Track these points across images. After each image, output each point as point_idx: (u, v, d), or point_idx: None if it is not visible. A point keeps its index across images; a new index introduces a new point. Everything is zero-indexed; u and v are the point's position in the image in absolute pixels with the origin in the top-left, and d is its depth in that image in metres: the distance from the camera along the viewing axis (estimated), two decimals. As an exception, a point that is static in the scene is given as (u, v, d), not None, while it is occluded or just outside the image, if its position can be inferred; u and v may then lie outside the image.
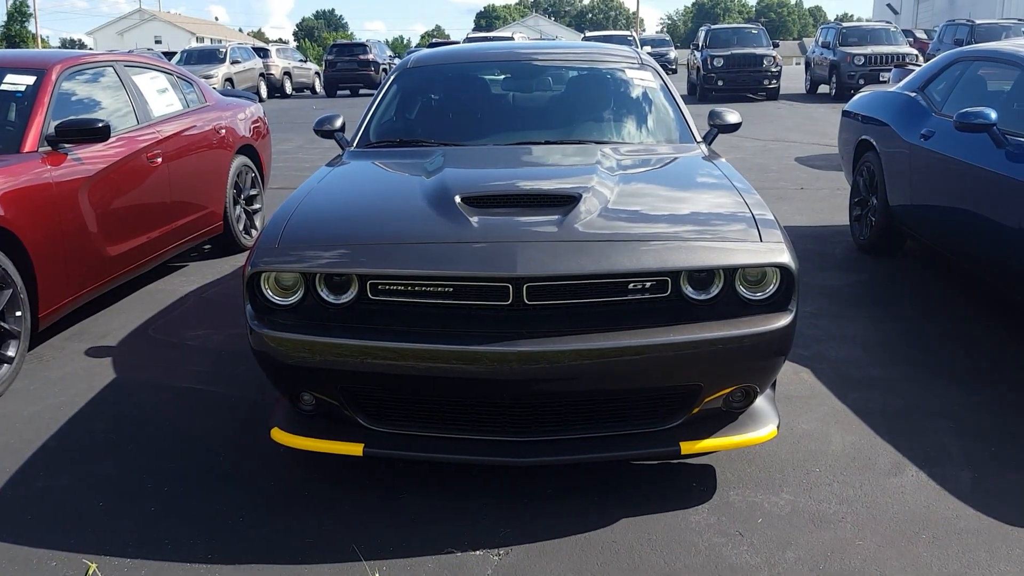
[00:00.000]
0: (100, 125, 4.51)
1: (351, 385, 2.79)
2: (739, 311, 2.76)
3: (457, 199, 2.98)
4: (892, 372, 3.97)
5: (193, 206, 5.77)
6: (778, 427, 2.93)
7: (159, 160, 5.30)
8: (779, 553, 2.62)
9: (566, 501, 2.92)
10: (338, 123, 4.41)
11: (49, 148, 4.45)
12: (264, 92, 24.23)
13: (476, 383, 2.67)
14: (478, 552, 2.66)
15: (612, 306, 2.75)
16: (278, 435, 2.95)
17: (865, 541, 2.68)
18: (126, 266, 4.98)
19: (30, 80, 4.72)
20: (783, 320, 2.73)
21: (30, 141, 4.39)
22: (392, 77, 4.53)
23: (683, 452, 2.80)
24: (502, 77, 4.57)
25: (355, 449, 2.84)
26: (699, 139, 4.11)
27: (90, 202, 4.58)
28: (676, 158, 3.82)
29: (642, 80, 4.38)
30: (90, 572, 2.56)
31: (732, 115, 4.33)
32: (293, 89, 27.22)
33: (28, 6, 57.69)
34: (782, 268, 2.74)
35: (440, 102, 4.48)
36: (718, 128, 4.29)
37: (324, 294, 2.81)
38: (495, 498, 2.94)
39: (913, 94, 5.54)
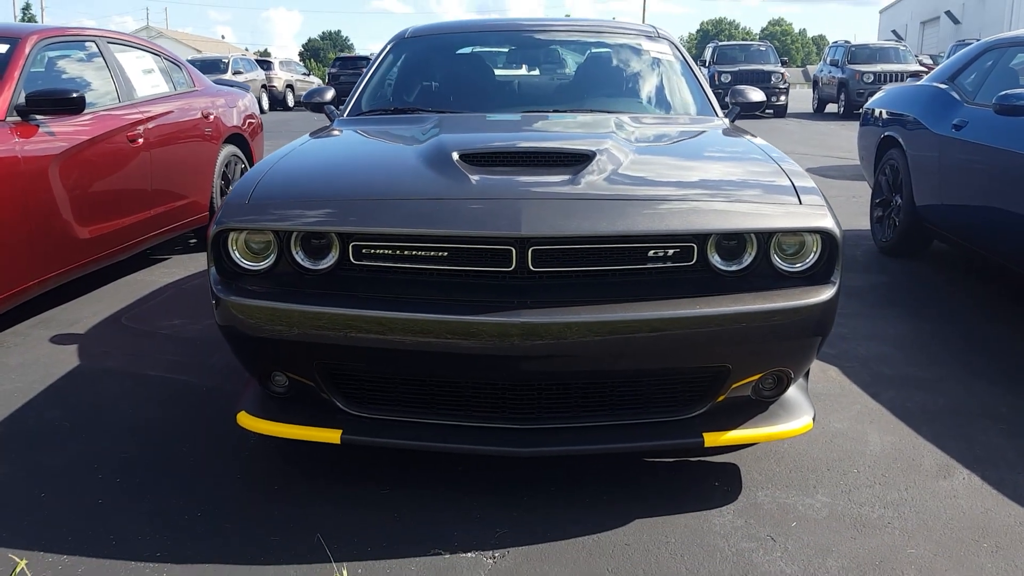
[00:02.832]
0: (74, 95, 4.20)
1: (329, 362, 2.44)
2: (774, 284, 2.41)
3: (455, 156, 2.63)
4: (928, 371, 3.61)
5: (176, 194, 5.43)
6: (814, 419, 2.58)
7: (140, 141, 4.96)
8: (819, 560, 2.26)
9: (572, 498, 2.56)
10: (328, 96, 4.10)
11: (18, 118, 4.12)
12: (266, 104, 23.97)
13: (471, 360, 2.31)
14: (470, 554, 2.29)
15: (629, 276, 2.40)
16: (245, 420, 2.59)
17: (918, 549, 2.32)
18: (99, 252, 4.63)
19: (2, 49, 4.40)
20: (825, 293, 2.37)
21: (-3, 110, 4.07)
22: (389, 46, 4.19)
23: (707, 444, 2.43)
24: (507, 48, 4.24)
25: (332, 436, 2.47)
26: (721, 115, 3.78)
27: (61, 179, 4.24)
28: (702, 130, 3.46)
29: (659, 52, 4.05)
30: (17, 570, 2.20)
31: (755, 93, 3.99)
32: (295, 102, 26.97)
33: (36, 22, 57.81)
34: (824, 234, 2.39)
35: (440, 72, 4.14)
36: (740, 107, 3.95)
37: (300, 258, 2.47)
38: (491, 493, 2.58)
39: (943, 86, 5.22)
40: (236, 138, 6.32)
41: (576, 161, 2.62)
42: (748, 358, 2.40)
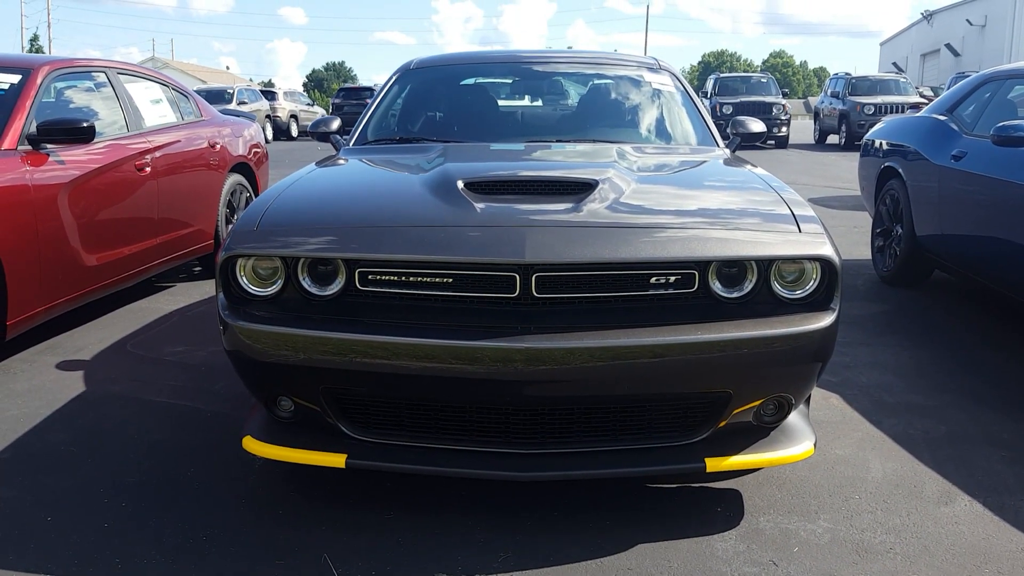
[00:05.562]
0: (85, 125, 4.27)
1: (335, 386, 2.46)
2: (774, 311, 2.44)
3: (460, 184, 2.68)
4: (931, 399, 3.63)
5: (182, 222, 5.48)
6: (815, 445, 2.60)
7: (148, 170, 5.03)
8: (821, 586, 2.27)
9: (575, 522, 2.57)
10: (334, 125, 4.16)
11: (29, 147, 4.19)
12: (270, 134, 24.14)
13: (475, 385, 2.34)
14: (473, 578, 2.31)
15: (631, 303, 2.43)
16: (250, 444, 2.61)
17: (919, 575, 2.33)
18: (106, 278, 4.67)
19: (15, 79, 4.48)
20: (825, 320, 2.41)
21: (9, 139, 4.12)
22: (394, 78, 4.26)
23: (709, 469, 2.45)
24: (511, 79, 4.31)
25: (337, 460, 2.50)
26: (722, 145, 3.83)
27: (70, 207, 4.30)
28: (702, 160, 3.52)
29: (660, 83, 4.12)
30: (24, 592, 2.22)
31: (755, 124, 4.05)
32: (299, 132, 27.18)
33: (43, 52, 58.38)
34: (823, 261, 2.43)
35: (444, 103, 4.21)
36: (741, 137, 4.01)
37: (307, 284, 2.50)
38: (494, 518, 2.60)
39: (942, 117, 5.28)
40: (242, 167, 6.38)
41: (579, 190, 2.67)
42: (749, 384, 2.43)
